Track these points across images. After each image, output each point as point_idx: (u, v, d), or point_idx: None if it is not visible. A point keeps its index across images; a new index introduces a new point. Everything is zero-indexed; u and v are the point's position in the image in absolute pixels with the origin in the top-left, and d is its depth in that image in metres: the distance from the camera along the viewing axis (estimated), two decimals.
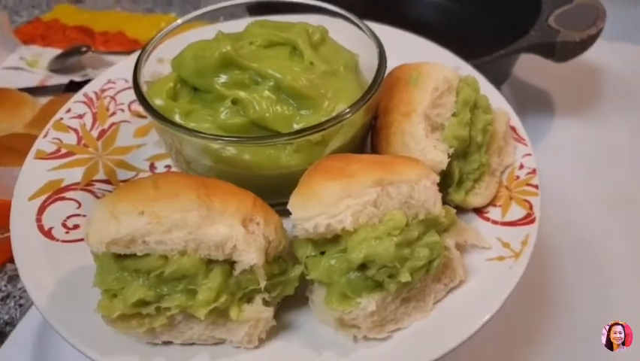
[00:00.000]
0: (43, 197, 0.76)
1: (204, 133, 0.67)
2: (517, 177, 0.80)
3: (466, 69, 0.92)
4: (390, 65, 0.78)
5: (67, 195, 0.77)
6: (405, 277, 0.61)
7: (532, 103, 1.37)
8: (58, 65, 1.39)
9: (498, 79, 1.31)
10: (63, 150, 0.82)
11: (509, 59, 1.26)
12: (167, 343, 0.63)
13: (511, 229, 0.74)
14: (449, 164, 0.72)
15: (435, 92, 0.73)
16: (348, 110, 0.69)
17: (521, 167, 0.80)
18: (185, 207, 0.60)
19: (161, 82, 0.75)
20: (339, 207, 0.61)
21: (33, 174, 0.78)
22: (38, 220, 0.73)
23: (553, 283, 1.02)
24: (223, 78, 0.72)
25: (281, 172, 0.71)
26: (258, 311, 0.62)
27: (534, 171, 0.79)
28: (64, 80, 1.36)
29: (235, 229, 0.60)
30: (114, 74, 0.94)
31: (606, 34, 1.21)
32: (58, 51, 1.44)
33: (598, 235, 1.12)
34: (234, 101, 0.71)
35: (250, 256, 0.59)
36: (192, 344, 0.63)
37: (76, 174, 0.80)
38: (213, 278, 0.60)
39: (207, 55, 0.72)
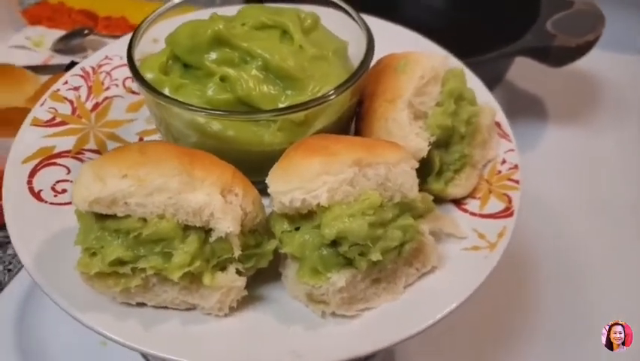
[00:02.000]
0: (36, 161, 0.78)
1: (191, 105, 0.69)
2: (499, 171, 0.81)
3: (455, 62, 0.93)
4: (379, 55, 0.80)
5: (58, 161, 0.79)
6: (376, 256, 0.63)
7: (524, 108, 1.39)
8: (61, 46, 1.42)
9: (491, 81, 1.32)
10: (58, 119, 0.84)
11: (503, 61, 1.28)
12: (141, 305, 0.64)
13: (488, 221, 0.75)
14: (430, 152, 0.74)
15: (421, 81, 0.75)
16: (332, 91, 0.71)
17: (504, 162, 0.82)
18: (167, 172, 0.61)
19: (154, 57, 0.77)
20: (316, 182, 0.62)
21: (28, 140, 0.80)
22: (29, 183, 0.75)
23: (553, 283, 1.05)
24: (213, 55, 0.74)
25: (264, 150, 0.72)
26: (231, 280, 0.63)
27: (516, 167, 0.81)
28: (65, 60, 1.40)
29: (214, 198, 0.61)
30: (111, 50, 0.95)
31: (603, 44, 1.23)
32: (62, 32, 1.47)
33: (584, 241, 1.13)
34: (222, 78, 0.73)
35: (226, 224, 0.61)
36: (165, 307, 0.65)
37: (68, 143, 0.81)
38: (189, 243, 0.62)
39: (201, 32, 0.74)
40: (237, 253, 0.63)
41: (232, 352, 0.61)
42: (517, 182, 0.79)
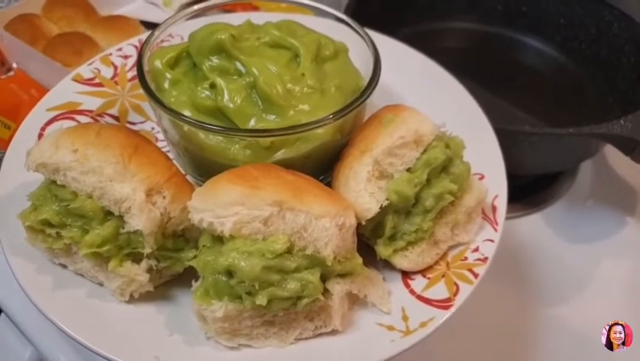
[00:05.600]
0: (58, 112, 0.87)
1: (164, 105, 0.73)
2: (466, 258, 0.74)
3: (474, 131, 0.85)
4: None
5: (76, 117, 0.87)
6: (260, 299, 0.62)
7: (611, 193, 1.25)
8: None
9: (578, 154, 1.20)
10: (96, 80, 0.93)
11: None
12: (64, 266, 0.71)
13: (421, 306, 0.69)
14: (383, 216, 0.70)
15: (398, 140, 0.71)
16: (302, 124, 0.71)
17: (475, 250, 0.75)
18: (107, 159, 0.66)
19: (169, 48, 0.81)
20: (228, 210, 0.63)
21: (62, 91, 0.90)
22: (42, 129, 0.85)
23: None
24: (214, 61, 0.77)
25: (226, 163, 0.74)
26: (134, 273, 0.67)
27: (485, 260, 0.73)
28: None
29: (136, 194, 0.65)
30: (177, 29, 1.01)
31: None
32: None
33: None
34: (211, 85, 0.76)
35: (137, 221, 0.65)
36: (82, 275, 0.71)
37: (94, 103, 0.90)
38: (105, 227, 0.66)
39: (210, 37, 0.77)
40: (147, 250, 0.66)
41: (105, 335, 0.65)
42: (476, 276, 0.71)
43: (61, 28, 1.38)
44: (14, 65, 1.31)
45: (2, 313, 1.05)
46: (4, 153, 1.16)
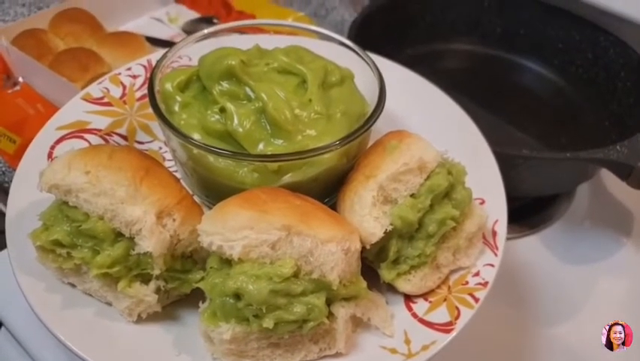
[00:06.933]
0: (67, 131, 0.88)
1: (174, 128, 0.74)
2: (467, 282, 0.76)
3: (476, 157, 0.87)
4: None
5: (85, 136, 0.89)
6: (267, 323, 0.63)
7: (607, 215, 1.28)
8: (189, 28, 1.56)
9: (575, 177, 1.22)
10: (105, 99, 0.94)
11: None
12: (73, 285, 0.72)
13: (423, 329, 0.71)
14: (387, 240, 0.72)
15: (403, 167, 0.73)
16: (309, 150, 0.73)
17: (476, 275, 0.76)
18: (119, 181, 0.68)
19: (180, 71, 0.83)
20: (237, 234, 0.64)
21: (71, 110, 0.91)
22: (52, 148, 0.86)
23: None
24: (224, 86, 0.79)
25: (234, 185, 0.76)
26: (143, 293, 0.68)
27: (485, 284, 0.75)
28: None
29: (147, 216, 0.67)
30: (186, 51, 1.03)
31: None
32: (197, 15, 1.61)
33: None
34: (221, 109, 0.77)
35: (147, 243, 0.66)
36: (90, 295, 0.72)
37: (103, 122, 0.91)
38: (115, 249, 0.68)
39: (220, 61, 0.79)
40: (156, 271, 0.68)
41: (113, 355, 0.66)
42: (477, 300, 0.73)
43: (68, 43, 1.40)
44: (20, 80, 1.33)
45: (2, 327, 1.06)
46: (8, 166, 1.18)
